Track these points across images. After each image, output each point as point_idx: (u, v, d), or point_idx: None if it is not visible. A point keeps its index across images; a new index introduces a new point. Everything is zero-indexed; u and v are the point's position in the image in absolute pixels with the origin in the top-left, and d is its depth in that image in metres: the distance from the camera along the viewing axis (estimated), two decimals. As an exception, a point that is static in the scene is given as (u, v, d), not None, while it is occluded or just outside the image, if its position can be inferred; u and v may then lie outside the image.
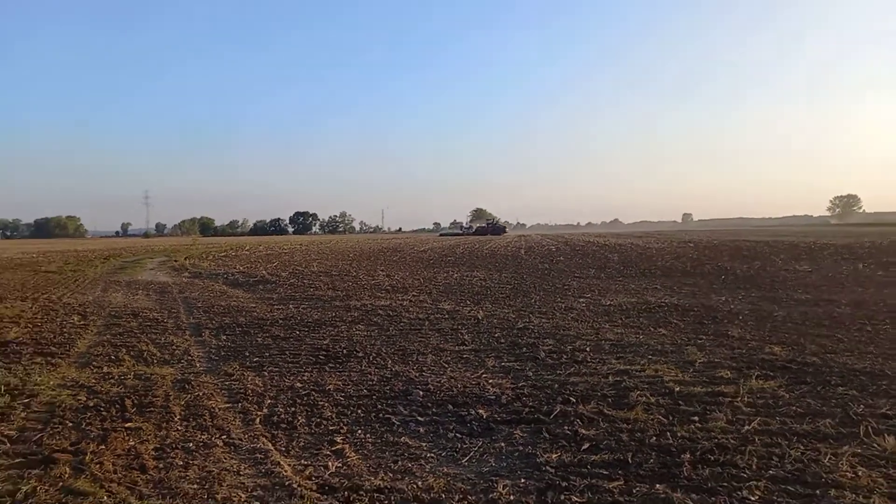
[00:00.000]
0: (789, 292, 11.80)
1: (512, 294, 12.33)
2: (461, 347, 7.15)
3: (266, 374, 6.11)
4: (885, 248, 25.07)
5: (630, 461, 3.77)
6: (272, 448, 4.13)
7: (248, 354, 7.01)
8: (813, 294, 11.46)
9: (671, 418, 4.52)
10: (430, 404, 5.00)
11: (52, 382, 5.75)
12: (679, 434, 4.18)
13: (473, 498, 3.38)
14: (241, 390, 5.50)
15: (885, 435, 4.07)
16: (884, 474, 3.55)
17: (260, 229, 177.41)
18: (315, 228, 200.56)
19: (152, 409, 4.96)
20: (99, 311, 10.55)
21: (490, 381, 5.64)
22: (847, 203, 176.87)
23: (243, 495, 3.46)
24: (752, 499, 3.31)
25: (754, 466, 3.66)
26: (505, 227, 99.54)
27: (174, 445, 4.17)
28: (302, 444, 4.23)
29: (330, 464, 3.86)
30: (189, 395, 5.33)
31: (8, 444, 4.20)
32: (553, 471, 3.69)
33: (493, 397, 5.12)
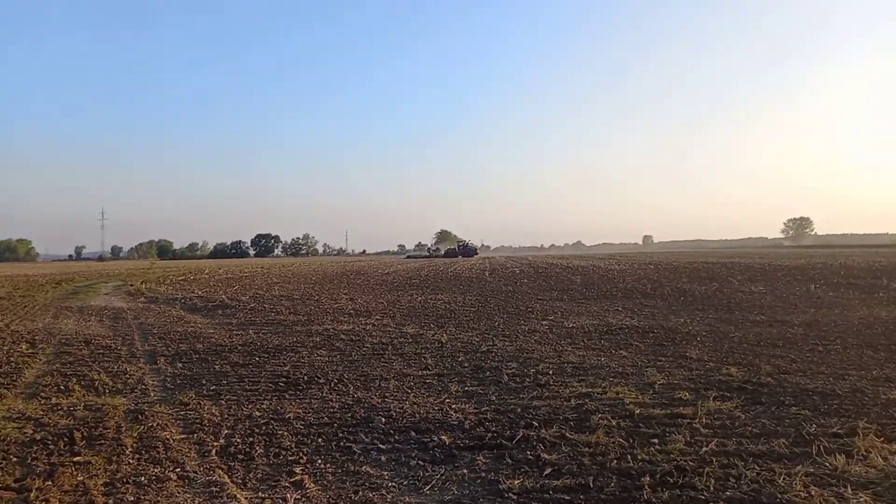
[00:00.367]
0: (745, 313, 12.13)
1: (476, 317, 12.37)
2: (424, 372, 7.12)
3: (223, 402, 5.96)
4: (835, 269, 26.06)
5: (591, 485, 3.80)
6: (228, 481, 4.03)
7: (205, 382, 6.84)
8: (768, 315, 11.80)
9: (632, 441, 4.56)
10: (392, 431, 4.95)
11: (-5, 415, 5.51)
12: (639, 457, 4.23)
13: (435, 527, 3.35)
14: (198, 420, 5.35)
15: (836, 454, 4.19)
16: (835, 493, 3.65)
17: (220, 252, 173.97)
18: (277, 251, 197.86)
19: (103, 441, 4.79)
20: (49, 339, 10.17)
21: (453, 406, 5.62)
22: (800, 225, 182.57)
23: (197, 531, 3.35)
24: (710, 521, 3.35)
25: (712, 488, 3.72)
26: (476, 250, 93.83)
27: (125, 480, 4.03)
28: (259, 475, 4.13)
29: (289, 496, 3.78)
30: (142, 427, 5.16)
31: (-55, 483, 4.00)
32: (515, 497, 3.69)
33: (455, 423, 5.10)
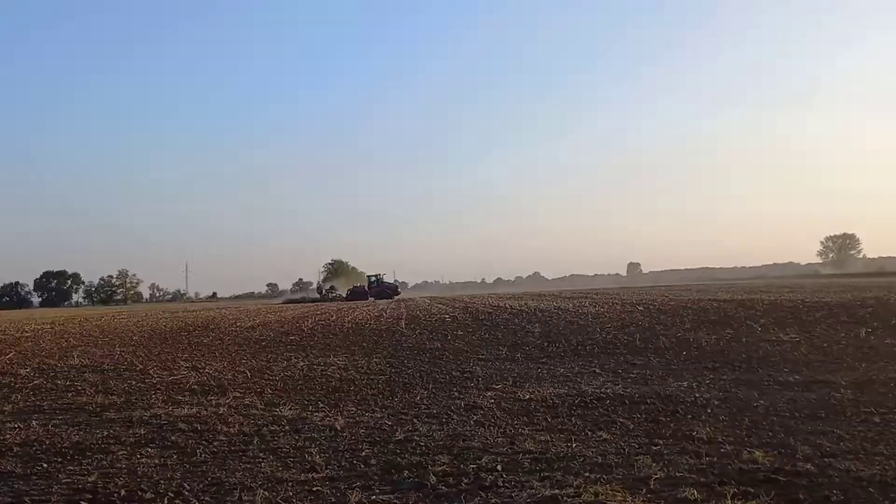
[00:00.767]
0: (772, 371, 12.64)
1: (387, 389, 12.31)
2: (310, 476, 7.00)
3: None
4: (893, 306, 27.31)
5: None
6: None
7: (-41, 507, 6.46)
8: (803, 373, 12.34)
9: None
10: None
11: None
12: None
13: None
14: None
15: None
16: None
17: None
18: (77, 297, 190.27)
19: None
20: None
21: (354, 525, 5.54)
22: (843, 246, 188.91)
23: None
24: None
25: None
26: (398, 288, 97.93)
27: None
28: None
29: None
30: None
31: None
32: None
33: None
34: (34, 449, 8.62)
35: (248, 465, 7.50)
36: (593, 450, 7.58)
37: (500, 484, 6.47)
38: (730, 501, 5.73)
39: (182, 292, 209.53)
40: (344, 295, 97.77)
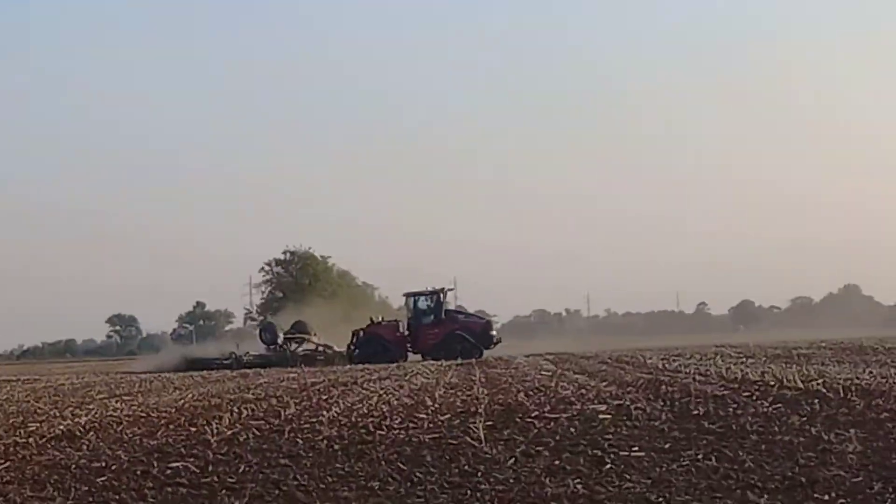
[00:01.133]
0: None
1: None
2: None
3: None
4: None
5: None
6: None
7: None
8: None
9: None
10: None
11: None
12: None
13: None
14: None
15: None
16: None
17: None
18: None
19: None
20: None
21: None
22: None
23: None
24: None
25: None
26: (493, 330, 45.72)
27: None
28: None
29: None
30: None
31: None
32: None
33: None
34: None
35: None
36: None
37: None
38: None
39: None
40: (332, 350, 46.55)
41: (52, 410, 16.54)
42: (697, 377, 18.83)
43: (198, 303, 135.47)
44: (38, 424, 13.49)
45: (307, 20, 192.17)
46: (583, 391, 16.06)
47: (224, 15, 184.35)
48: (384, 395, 17.14)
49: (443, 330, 44.83)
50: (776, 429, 9.44)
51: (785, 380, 15.44)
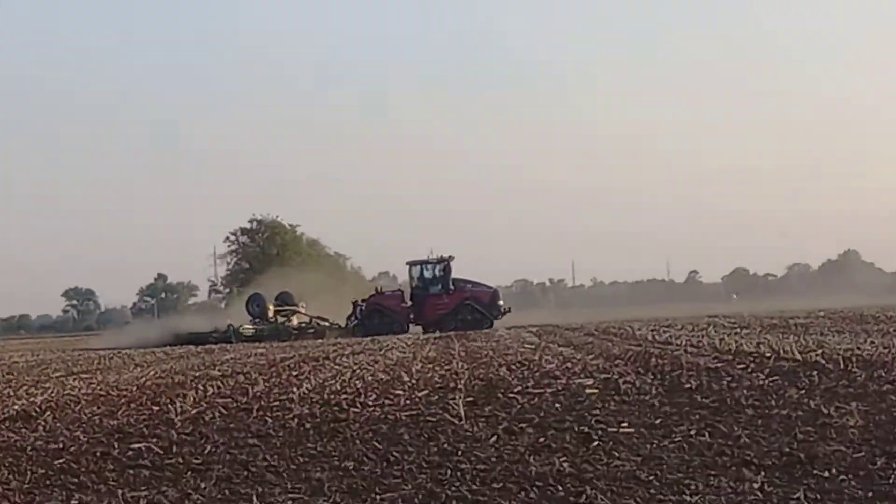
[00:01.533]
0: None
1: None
2: None
3: None
4: None
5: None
6: None
7: None
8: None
9: None
10: None
11: None
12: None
13: None
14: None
15: None
16: None
17: None
18: None
19: None
20: None
21: None
22: None
23: None
24: None
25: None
26: (501, 300, 46.47)
27: None
28: None
29: None
30: None
31: None
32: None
33: None
34: None
35: None
36: None
37: None
38: None
39: None
40: (328, 322, 45.46)
41: (5, 390, 16.07)
42: (689, 349, 18.35)
43: (159, 275, 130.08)
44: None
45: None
46: (568, 365, 15.64)
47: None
48: (358, 371, 16.74)
49: (452, 300, 44.10)
50: (773, 402, 9.23)
51: (782, 351, 15.12)
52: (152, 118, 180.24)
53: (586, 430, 7.90)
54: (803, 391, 9.91)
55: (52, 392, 14.54)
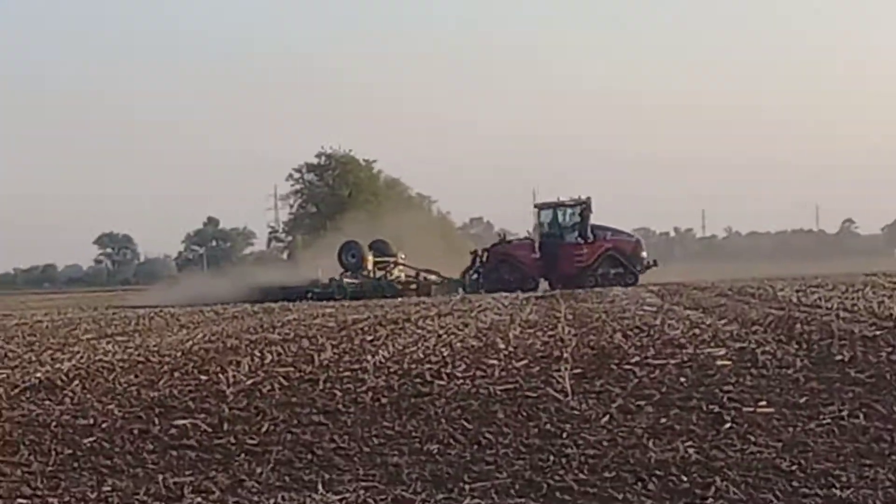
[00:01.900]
0: None
1: None
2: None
3: None
4: None
5: None
6: None
7: None
8: None
9: None
10: None
11: None
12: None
13: None
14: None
15: None
16: None
17: None
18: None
19: None
20: None
21: None
22: None
23: None
24: None
25: None
26: (643, 252, 41.61)
27: None
28: None
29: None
30: None
31: None
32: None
33: None
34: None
35: None
36: None
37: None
38: None
39: None
40: (439, 276, 40.94)
41: (26, 354, 15.45)
42: (842, 314, 16.96)
43: (209, 219, 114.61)
44: (9, 371, 12.54)
45: None
46: (696, 331, 14.71)
47: None
48: (444, 336, 15.73)
49: (593, 250, 39.06)
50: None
51: None
52: (211, 28, 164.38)
53: (717, 409, 7.36)
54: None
55: (81, 358, 13.83)
